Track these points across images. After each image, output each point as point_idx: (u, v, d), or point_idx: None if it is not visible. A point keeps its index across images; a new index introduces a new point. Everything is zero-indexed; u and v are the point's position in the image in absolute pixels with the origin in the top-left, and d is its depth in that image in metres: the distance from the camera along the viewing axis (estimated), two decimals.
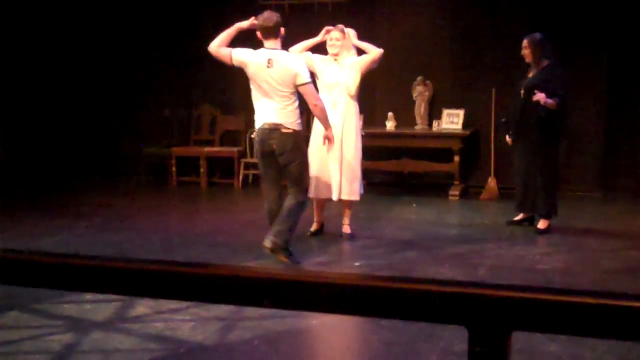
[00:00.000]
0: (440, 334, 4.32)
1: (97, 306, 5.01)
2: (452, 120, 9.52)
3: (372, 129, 9.42)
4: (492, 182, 9.34)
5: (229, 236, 7.26)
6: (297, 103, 5.90)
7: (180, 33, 10.75)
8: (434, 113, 9.77)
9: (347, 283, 0.98)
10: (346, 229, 7.03)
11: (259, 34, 5.96)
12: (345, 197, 6.84)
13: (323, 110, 6.01)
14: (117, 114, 11.11)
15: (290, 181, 6.04)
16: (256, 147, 6.06)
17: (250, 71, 5.91)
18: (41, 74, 10.96)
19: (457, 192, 9.27)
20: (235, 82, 10.79)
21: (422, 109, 9.76)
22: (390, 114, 9.66)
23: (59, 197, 9.67)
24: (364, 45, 6.94)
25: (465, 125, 9.49)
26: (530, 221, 7.46)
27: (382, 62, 7.02)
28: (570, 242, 6.88)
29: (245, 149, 10.53)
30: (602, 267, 6.03)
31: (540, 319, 0.95)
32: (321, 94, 6.40)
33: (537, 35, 7.17)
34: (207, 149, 10.51)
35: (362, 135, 7.03)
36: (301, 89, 5.81)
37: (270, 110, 5.84)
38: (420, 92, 9.75)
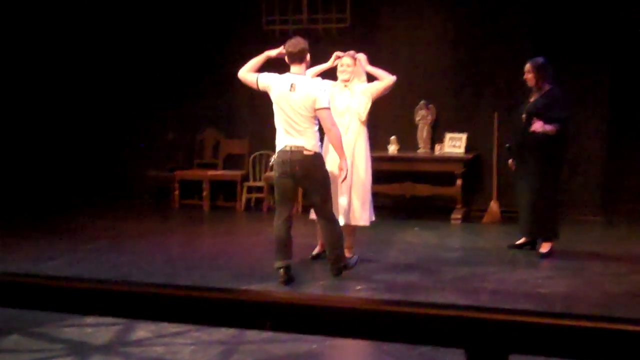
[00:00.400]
0: (442, 357, 4.30)
1: (98, 330, 5.00)
2: (454, 144, 9.54)
3: (375, 153, 9.37)
4: (494, 205, 9.34)
5: (231, 259, 7.26)
6: (317, 127, 6.06)
7: (185, 57, 10.81)
8: (436, 137, 9.80)
9: (348, 307, 0.98)
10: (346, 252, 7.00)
11: (286, 58, 6.21)
12: (354, 222, 6.81)
13: (337, 137, 6.09)
14: (121, 137, 11.15)
15: (315, 204, 6.23)
16: (276, 168, 6.18)
17: (274, 95, 6.10)
18: (45, 96, 11.01)
19: (459, 216, 9.26)
20: (239, 107, 10.87)
21: (425, 133, 9.79)
22: (392, 137, 9.69)
23: (61, 219, 9.68)
24: (376, 71, 6.94)
25: (467, 149, 9.51)
26: (533, 245, 7.46)
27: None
28: (572, 266, 6.86)
29: (248, 172, 10.56)
30: (605, 292, 6.01)
31: (537, 343, 0.95)
32: None
33: (540, 60, 7.21)
34: (210, 172, 10.54)
35: (372, 160, 7.01)
36: (318, 113, 5.97)
37: (292, 133, 6.01)
38: (422, 116, 9.79)
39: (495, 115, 9.39)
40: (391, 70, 7.08)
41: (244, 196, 10.40)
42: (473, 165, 9.59)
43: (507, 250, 7.50)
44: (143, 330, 4.97)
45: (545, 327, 0.95)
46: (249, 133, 10.73)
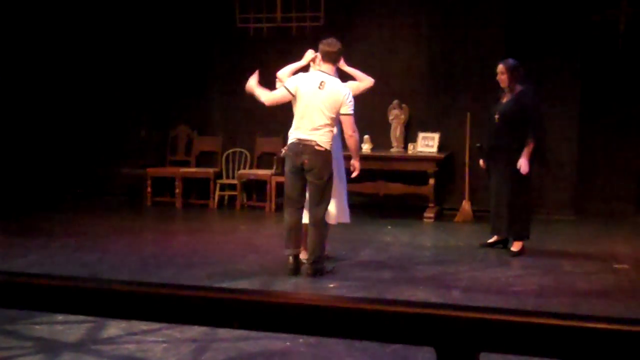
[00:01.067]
0: (414, 355, 4.33)
1: (69, 327, 4.96)
2: (427, 144, 9.59)
3: (348, 152, 9.45)
4: (466, 204, 9.40)
5: (204, 257, 7.23)
6: (335, 129, 6.27)
7: (158, 54, 10.75)
8: (409, 136, 9.84)
9: (315, 304, 0.99)
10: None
11: (318, 55, 6.40)
12: (332, 221, 6.77)
13: (357, 142, 6.45)
14: (93, 135, 11.05)
15: (311, 198, 6.31)
16: (287, 161, 6.35)
17: (301, 91, 6.23)
18: (15, 94, 10.88)
19: (432, 215, 9.31)
20: (212, 104, 10.83)
21: (398, 132, 9.82)
22: (366, 136, 9.70)
23: (33, 217, 9.58)
24: (354, 72, 6.96)
25: (440, 148, 9.56)
26: (504, 244, 7.52)
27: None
28: (543, 265, 6.93)
29: (221, 170, 10.52)
30: (575, 290, 6.08)
31: (506, 341, 0.96)
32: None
33: (512, 61, 7.28)
34: (183, 169, 10.49)
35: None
36: (342, 118, 6.20)
37: (308, 128, 6.17)
38: (396, 115, 9.82)
39: (468, 115, 9.46)
40: (365, 70, 7.11)
41: (217, 194, 10.37)
42: (445, 164, 9.65)
43: (479, 248, 7.56)
44: (114, 327, 4.94)
45: (515, 324, 0.96)
46: (222, 130, 10.70)
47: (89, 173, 11.03)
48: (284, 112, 10.43)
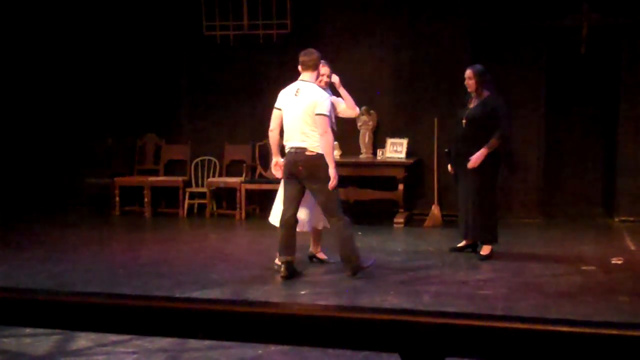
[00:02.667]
0: None
1: (37, 340, 4.90)
2: (396, 149, 9.64)
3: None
4: (435, 209, 9.46)
5: (174, 266, 7.19)
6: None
7: (124, 62, 10.68)
8: (378, 142, 9.88)
9: (284, 313, 0.99)
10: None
11: (299, 67, 6.58)
12: (320, 225, 6.96)
13: (329, 144, 6.41)
14: (58, 144, 10.93)
15: (321, 204, 6.48)
16: (284, 168, 6.52)
17: (283, 103, 6.51)
18: None
19: (401, 220, 9.35)
20: (180, 111, 10.78)
21: (367, 138, 9.86)
22: (335, 143, 9.69)
23: (0, 229, 9.46)
24: (344, 95, 7.09)
25: (409, 154, 9.61)
26: (473, 248, 7.58)
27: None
28: (512, 268, 7.00)
29: (190, 178, 10.47)
30: (543, 292, 6.14)
31: (471, 345, 0.97)
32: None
33: (479, 67, 7.36)
34: (151, 178, 10.42)
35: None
36: (316, 118, 6.31)
37: (297, 136, 6.38)
38: (364, 122, 9.86)
39: (436, 120, 9.53)
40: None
41: (186, 202, 10.32)
42: (414, 170, 9.70)
43: (448, 253, 7.61)
44: (84, 339, 4.89)
45: (479, 329, 0.97)
46: (191, 138, 10.66)
47: (55, 183, 10.90)
48: (251, 120, 10.48)
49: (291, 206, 6.51)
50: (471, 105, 7.33)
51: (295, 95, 6.41)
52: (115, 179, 10.42)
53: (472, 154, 7.15)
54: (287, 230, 6.49)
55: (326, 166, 6.35)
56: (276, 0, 10.01)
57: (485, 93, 7.26)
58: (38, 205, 10.69)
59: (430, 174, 9.67)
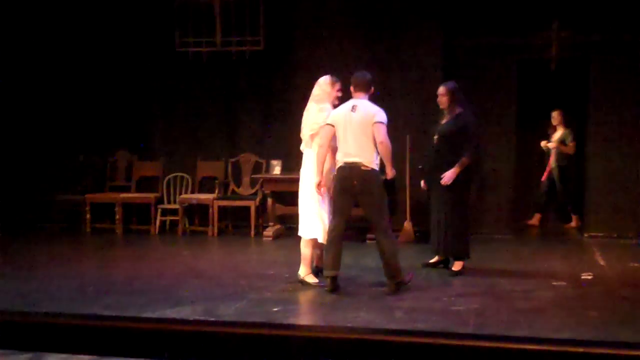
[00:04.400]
0: None
1: (6, 358, 4.82)
2: None
3: (290, 175, 9.50)
4: (407, 225, 9.50)
5: (145, 283, 7.13)
6: (375, 148, 6.52)
7: (97, 77, 10.62)
8: None
9: (246, 332, 0.98)
10: (309, 278, 7.08)
11: (351, 88, 6.76)
12: (299, 233, 7.02)
13: (389, 149, 6.59)
14: (28, 160, 10.82)
15: (371, 219, 6.67)
16: (335, 183, 6.63)
17: (337, 119, 6.61)
18: None
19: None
20: (152, 128, 10.74)
21: None
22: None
23: None
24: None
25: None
26: (445, 263, 7.62)
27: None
28: (483, 284, 7.04)
29: (163, 195, 10.42)
30: (514, 307, 6.18)
31: None
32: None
33: (452, 84, 7.44)
34: (123, 195, 10.35)
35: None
36: (373, 126, 6.47)
37: (352, 151, 6.50)
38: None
39: (408, 138, 9.57)
40: (307, 93, 7.18)
41: (159, 219, 10.26)
42: (387, 186, 9.70)
43: (421, 268, 7.64)
44: (53, 357, 4.81)
45: (447, 347, 0.98)
46: (163, 154, 10.61)
47: (26, 200, 10.78)
48: (224, 137, 10.47)
49: (342, 221, 6.64)
50: (443, 122, 7.39)
51: (352, 111, 6.56)
52: (87, 195, 10.34)
53: (443, 170, 7.20)
54: (336, 245, 6.62)
55: (379, 181, 6.59)
56: (249, 17, 10.03)
57: (458, 109, 7.33)
58: (8, 223, 10.56)
59: (403, 190, 9.71)
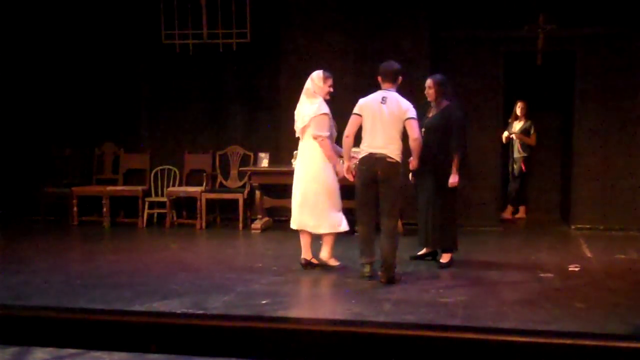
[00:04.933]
0: None
1: None
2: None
3: (278, 167, 9.50)
4: None
5: (133, 277, 7.11)
6: (401, 141, 6.66)
7: (82, 70, 10.57)
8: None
9: (234, 326, 0.98)
10: (332, 262, 7.27)
11: (379, 78, 6.82)
12: (309, 229, 7.14)
13: (420, 146, 6.79)
14: (15, 153, 10.76)
15: (383, 207, 6.67)
16: (359, 173, 6.70)
17: (366, 109, 6.70)
18: None
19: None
20: (139, 120, 10.70)
21: None
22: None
23: None
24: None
25: None
26: (433, 256, 7.64)
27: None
28: (471, 276, 7.06)
29: (150, 187, 10.39)
30: (502, 299, 6.21)
31: (425, 356, 0.98)
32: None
33: (439, 76, 7.44)
34: (110, 187, 10.30)
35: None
36: (406, 122, 6.59)
37: (380, 141, 6.57)
38: None
39: None
40: (294, 86, 7.17)
41: (146, 212, 10.23)
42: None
43: (409, 261, 7.65)
44: (41, 352, 4.80)
45: (435, 339, 0.98)
46: (150, 147, 10.58)
47: (12, 193, 10.73)
48: (211, 129, 10.44)
49: (368, 211, 6.70)
50: (430, 115, 7.40)
51: (382, 102, 6.62)
52: (73, 188, 10.29)
53: (430, 162, 7.21)
54: (367, 234, 6.72)
55: (400, 175, 6.70)
56: (236, 10, 10.00)
57: (445, 102, 7.34)
58: None
59: None
